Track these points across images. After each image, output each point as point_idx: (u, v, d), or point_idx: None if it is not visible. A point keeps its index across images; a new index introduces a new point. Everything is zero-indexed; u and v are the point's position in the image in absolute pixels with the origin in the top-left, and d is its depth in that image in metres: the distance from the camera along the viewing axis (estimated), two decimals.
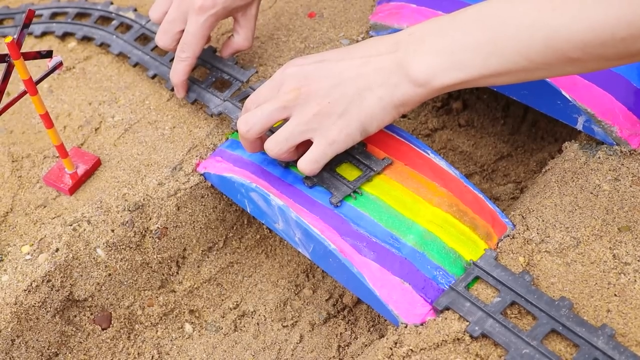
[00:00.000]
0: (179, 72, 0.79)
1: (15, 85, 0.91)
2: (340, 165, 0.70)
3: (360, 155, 0.70)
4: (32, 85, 0.69)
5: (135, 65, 0.89)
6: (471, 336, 0.58)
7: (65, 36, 0.96)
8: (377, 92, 0.62)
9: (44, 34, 0.98)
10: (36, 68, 0.91)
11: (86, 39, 0.95)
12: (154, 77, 0.87)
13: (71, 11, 0.98)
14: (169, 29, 0.79)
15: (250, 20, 0.81)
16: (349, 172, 0.69)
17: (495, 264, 0.63)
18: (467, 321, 0.59)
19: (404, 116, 0.95)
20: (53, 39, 0.97)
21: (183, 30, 0.79)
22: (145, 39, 0.92)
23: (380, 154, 0.71)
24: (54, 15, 0.99)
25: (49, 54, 0.70)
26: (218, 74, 0.83)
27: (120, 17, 0.95)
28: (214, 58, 0.85)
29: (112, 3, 0.98)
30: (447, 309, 0.60)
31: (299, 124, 0.64)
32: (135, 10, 0.95)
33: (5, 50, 0.66)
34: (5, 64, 0.66)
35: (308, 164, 0.65)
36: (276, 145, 0.65)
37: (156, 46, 0.88)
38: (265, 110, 0.65)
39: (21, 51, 0.66)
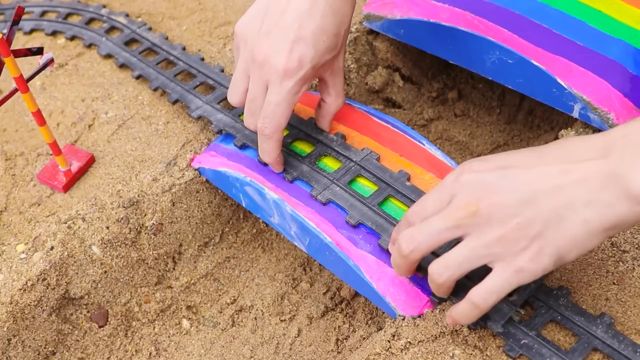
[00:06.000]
0: (268, 151, 0.67)
1: (8, 83, 0.90)
2: (320, 158, 0.70)
3: (339, 147, 0.70)
4: (23, 83, 0.68)
5: (122, 66, 0.89)
6: (469, 327, 0.58)
7: (54, 34, 0.97)
8: (582, 212, 0.48)
9: (32, 30, 0.98)
10: (29, 65, 0.91)
11: (75, 38, 0.95)
12: (138, 77, 0.87)
13: (62, 11, 0.99)
14: (255, 107, 0.66)
15: (339, 74, 0.68)
16: (329, 165, 0.70)
17: None
18: None
19: (398, 107, 0.94)
20: (45, 36, 0.97)
21: None
22: (134, 42, 0.93)
23: (359, 144, 0.71)
24: (44, 13, 1.00)
25: (39, 51, 0.70)
26: (203, 79, 0.83)
27: (111, 20, 0.95)
28: (201, 65, 0.85)
29: (104, 7, 0.99)
30: (445, 300, 0.60)
31: (476, 247, 0.51)
32: (127, 15, 0.96)
33: None
34: None
35: (485, 295, 0.51)
36: (445, 271, 0.52)
37: (145, 49, 0.90)
38: (434, 228, 0.52)
39: (11, 48, 0.65)
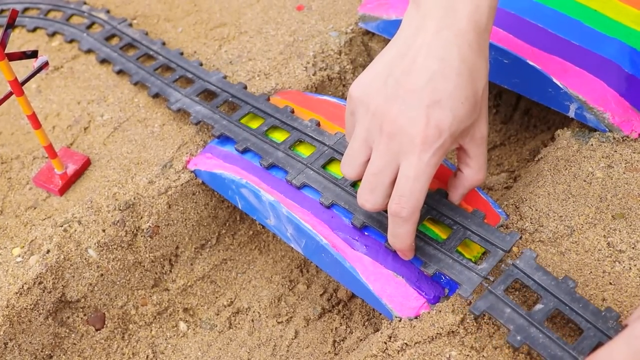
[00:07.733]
0: (402, 237, 0.57)
1: (5, 86, 0.90)
2: (295, 144, 0.72)
3: (313, 132, 0.72)
4: (17, 86, 0.68)
5: (102, 61, 0.91)
6: (466, 328, 0.58)
7: (35, 30, 0.98)
8: None
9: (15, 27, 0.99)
10: (24, 69, 0.90)
11: (56, 34, 0.97)
12: (119, 72, 0.88)
13: (44, 7, 1.01)
14: (378, 182, 0.56)
15: (482, 143, 0.59)
16: (304, 151, 0.72)
17: (536, 267, 0.58)
18: (462, 313, 0.59)
19: None
20: (40, 38, 0.97)
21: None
22: (115, 37, 0.94)
23: (332, 129, 0.72)
24: (26, 10, 1.02)
25: (34, 54, 0.70)
26: (182, 73, 0.84)
27: (92, 16, 0.97)
28: (180, 59, 0.86)
29: (85, 3, 1.00)
30: (485, 314, 0.57)
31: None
32: (108, 12, 0.98)
33: None
34: None
35: None
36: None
37: (126, 45, 0.91)
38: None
39: (5, 52, 0.65)
